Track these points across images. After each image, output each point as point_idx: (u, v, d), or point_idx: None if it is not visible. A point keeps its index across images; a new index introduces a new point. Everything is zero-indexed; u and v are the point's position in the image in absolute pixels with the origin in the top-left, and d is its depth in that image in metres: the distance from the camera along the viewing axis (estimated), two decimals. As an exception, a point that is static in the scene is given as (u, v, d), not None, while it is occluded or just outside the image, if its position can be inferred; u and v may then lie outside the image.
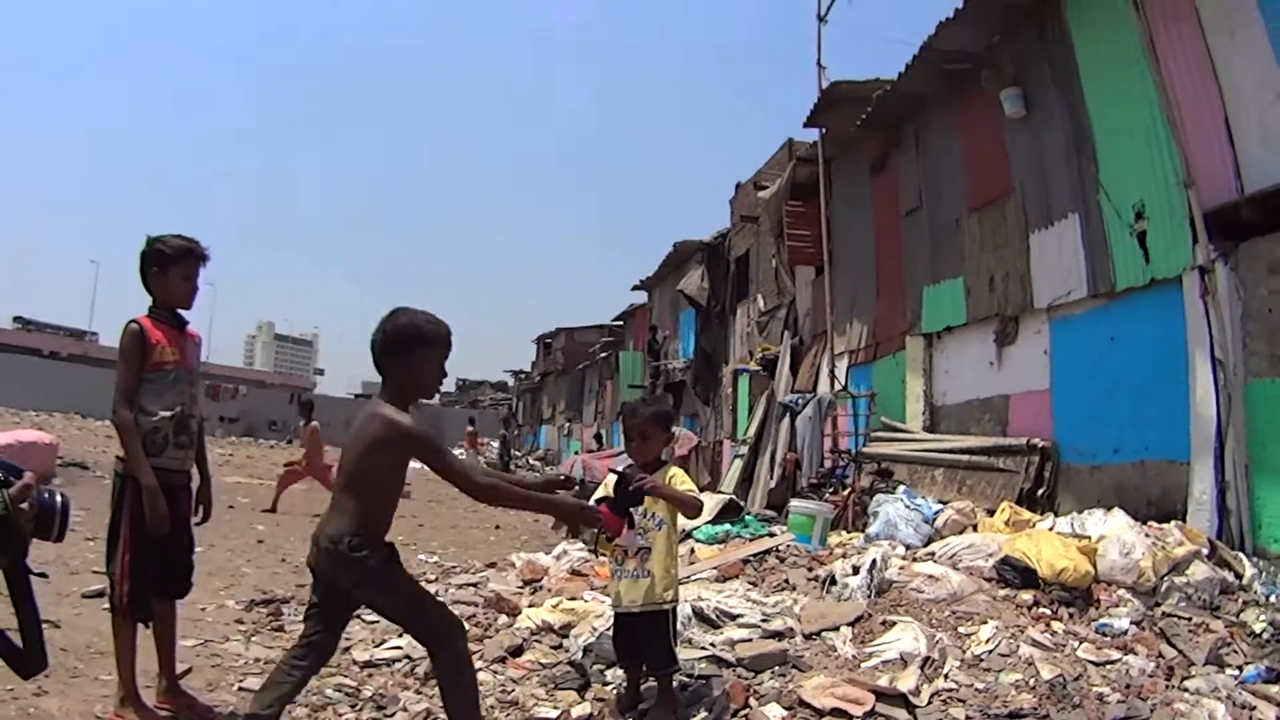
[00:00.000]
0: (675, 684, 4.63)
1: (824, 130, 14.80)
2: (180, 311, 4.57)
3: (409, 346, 3.91)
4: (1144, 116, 8.08)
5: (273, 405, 51.34)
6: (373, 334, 3.93)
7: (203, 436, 4.77)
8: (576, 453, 22.77)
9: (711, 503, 9.47)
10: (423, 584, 4.09)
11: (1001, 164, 10.55)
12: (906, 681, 4.42)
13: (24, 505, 2.15)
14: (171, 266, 4.47)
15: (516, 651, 5.54)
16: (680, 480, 4.53)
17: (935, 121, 12.25)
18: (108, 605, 4.39)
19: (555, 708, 4.64)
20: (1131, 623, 5.48)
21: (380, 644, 5.86)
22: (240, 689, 5.00)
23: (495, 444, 37.54)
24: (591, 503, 4.41)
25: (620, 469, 4.57)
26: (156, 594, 4.40)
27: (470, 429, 32.12)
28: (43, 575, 3.32)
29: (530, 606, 6.48)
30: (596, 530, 4.35)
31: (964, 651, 5.00)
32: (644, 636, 4.45)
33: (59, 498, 2.22)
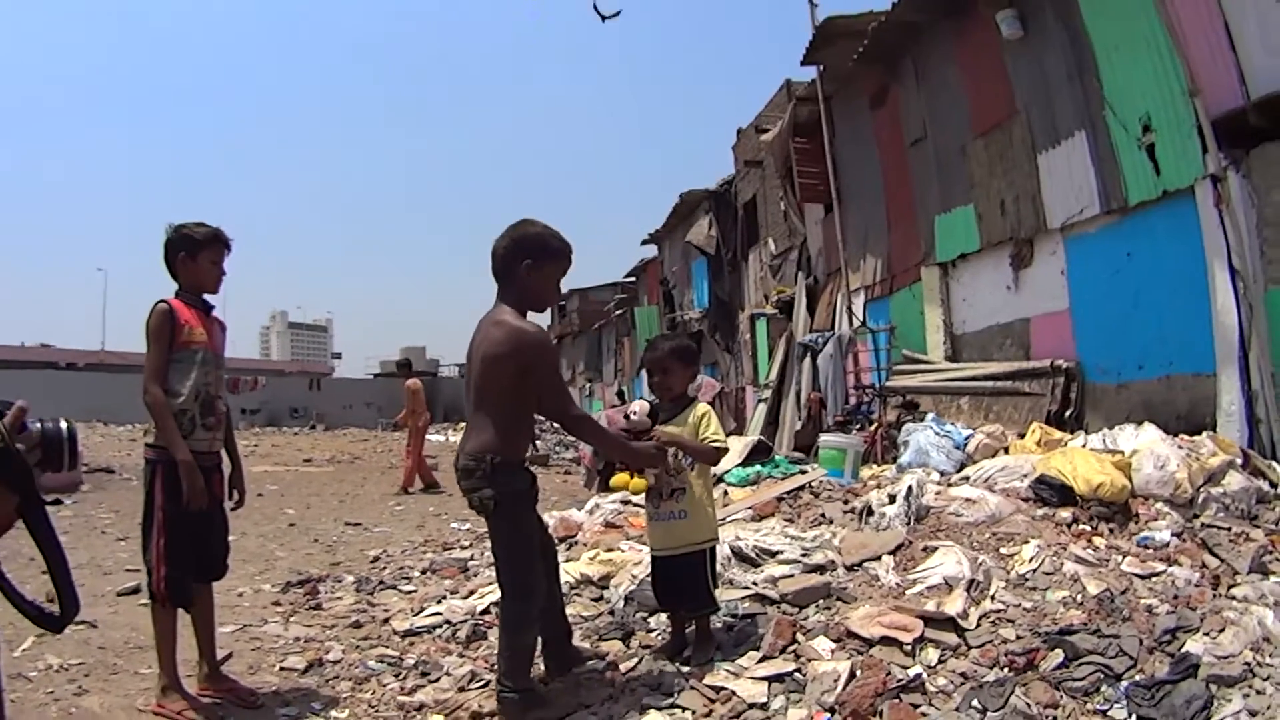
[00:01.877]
0: (719, 625, 4.68)
1: (821, 68, 14.68)
2: (206, 298, 4.64)
3: (537, 258, 4.02)
4: (1144, 28, 8.04)
5: (292, 393, 51.57)
6: (497, 240, 4.04)
7: (230, 422, 4.83)
8: (600, 411, 22.83)
9: (739, 445, 9.45)
10: (528, 537, 4.14)
11: (1003, 87, 10.52)
12: (953, 605, 4.42)
13: (23, 437, 2.15)
14: (200, 251, 4.55)
15: None
16: (708, 421, 4.50)
17: (933, 50, 12.18)
18: (146, 598, 4.44)
19: (601, 659, 4.65)
20: (1172, 535, 5.49)
21: (419, 611, 5.91)
22: (282, 669, 5.08)
23: None
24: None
25: (651, 401, 4.63)
26: (194, 578, 4.47)
27: None
28: (56, 502, 3.29)
29: (567, 561, 6.41)
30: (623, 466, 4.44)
31: (1008, 572, 5.00)
32: (682, 578, 4.48)
33: (64, 424, 2.22)
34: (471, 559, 7.45)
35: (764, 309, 19.58)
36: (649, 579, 4.97)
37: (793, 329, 17.25)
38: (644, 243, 32.49)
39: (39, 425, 2.18)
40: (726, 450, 4.74)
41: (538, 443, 27.25)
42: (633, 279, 38.12)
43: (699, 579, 4.46)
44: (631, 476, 4.41)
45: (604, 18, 12.34)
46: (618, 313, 39.45)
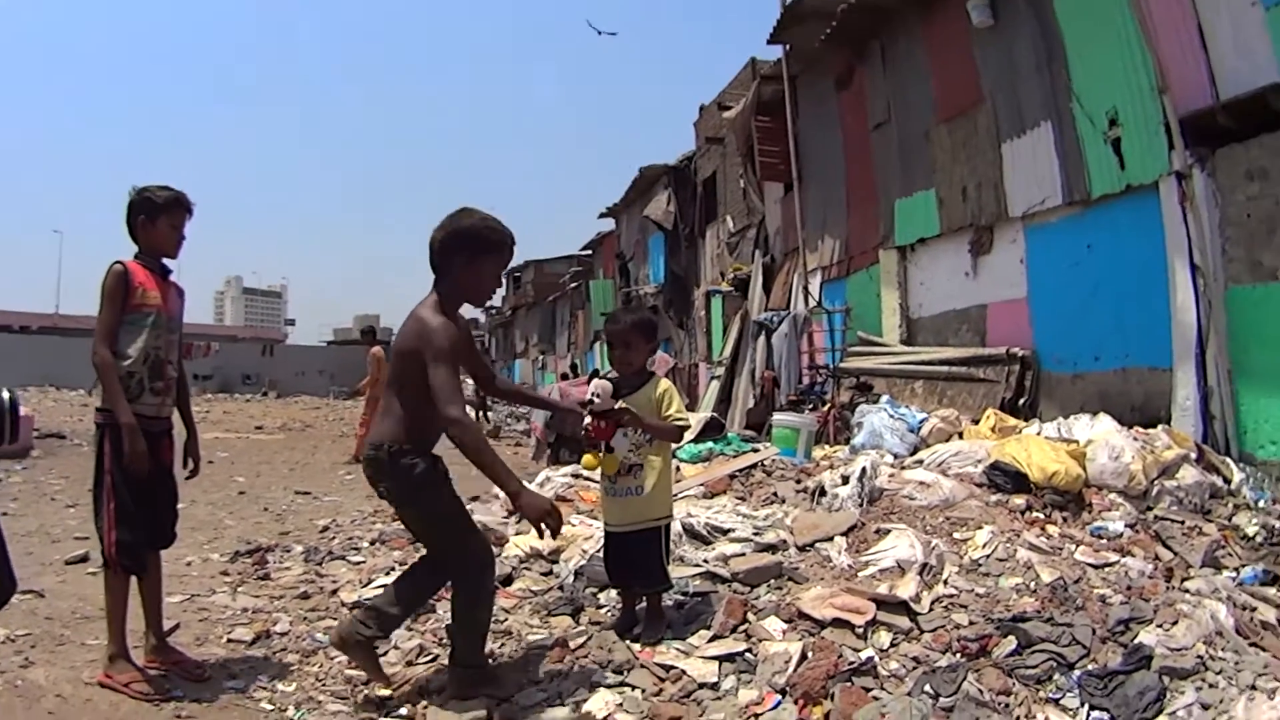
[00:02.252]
0: (670, 603, 4.65)
1: (788, 47, 14.62)
2: (166, 262, 4.56)
3: (473, 252, 3.91)
4: (1115, 22, 8.04)
5: (245, 359, 51.01)
6: (433, 232, 3.92)
7: (186, 389, 4.78)
8: (551, 385, 22.78)
9: (693, 420, 9.42)
10: (459, 508, 4.06)
11: (971, 74, 10.51)
12: (906, 589, 4.42)
13: None
14: (160, 215, 4.47)
15: (506, 581, 5.49)
16: (669, 397, 4.45)
17: (902, 34, 12.14)
18: (97, 565, 4.38)
19: (550, 633, 4.63)
20: (1126, 526, 5.54)
21: (368, 583, 5.85)
22: (229, 640, 5.02)
23: (469, 381, 37.38)
24: (580, 410, 4.40)
25: (610, 377, 4.54)
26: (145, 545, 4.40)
27: None
28: None
29: (517, 535, 6.41)
30: (585, 438, 4.36)
31: (961, 557, 5.01)
32: (636, 555, 4.44)
33: (4, 394, 2.08)
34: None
35: (720, 286, 19.56)
36: (599, 554, 4.92)
37: (748, 307, 17.25)
38: (601, 216, 32.37)
39: None
40: (688, 428, 4.69)
41: (489, 414, 27.19)
42: (589, 252, 38.02)
43: (653, 556, 4.42)
44: (598, 457, 4.34)
45: (600, 33, 12.23)
46: (573, 285, 39.37)
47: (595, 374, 4.80)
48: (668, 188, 23.87)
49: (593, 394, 4.32)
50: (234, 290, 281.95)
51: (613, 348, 4.57)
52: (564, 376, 31.94)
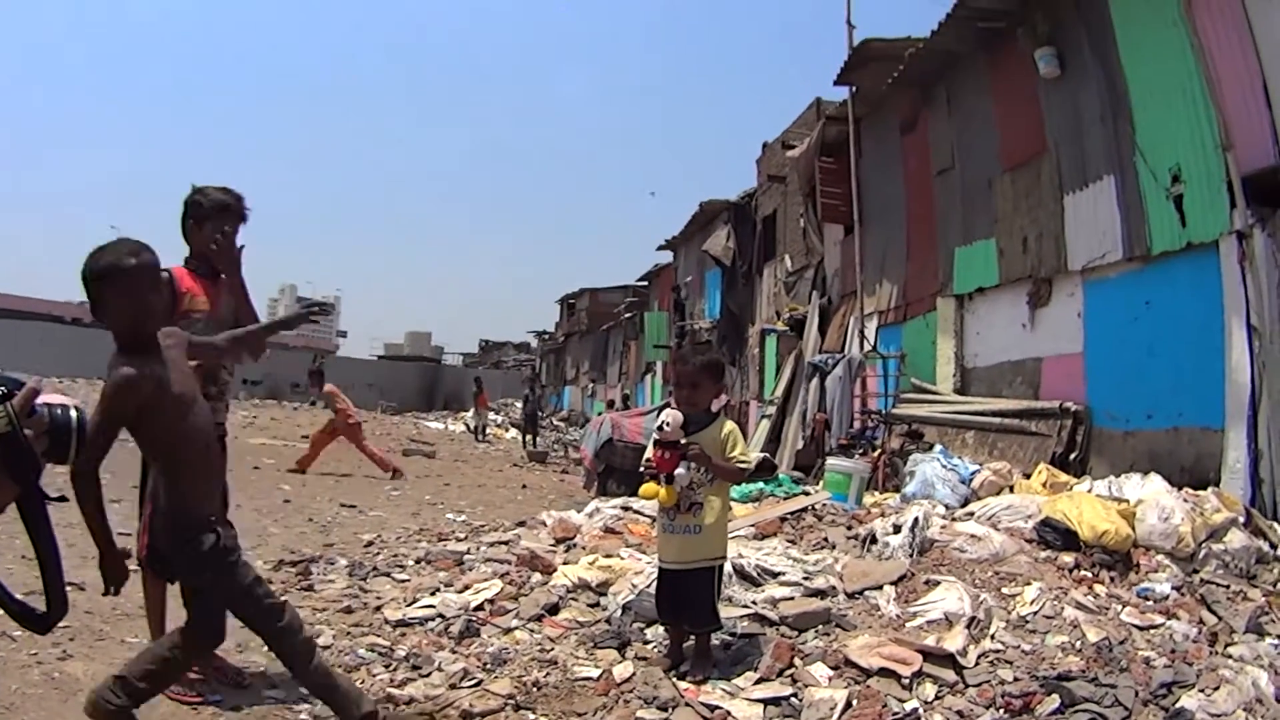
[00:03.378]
0: (717, 642, 4.68)
1: (854, 89, 14.71)
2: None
3: (95, 292, 3.39)
4: (1181, 78, 8.01)
5: (295, 368, 51.42)
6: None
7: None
8: (600, 413, 22.82)
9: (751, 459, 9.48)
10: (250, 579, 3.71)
11: (1036, 124, 10.48)
12: (953, 642, 4.45)
13: (32, 421, 2.02)
14: (206, 221, 4.42)
15: (553, 610, 5.53)
16: (734, 439, 4.53)
17: (968, 80, 12.15)
18: (136, 564, 4.40)
19: (596, 666, 4.62)
20: (1172, 588, 5.50)
21: (412, 602, 5.87)
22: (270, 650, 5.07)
23: (519, 405, 37.26)
24: (650, 446, 4.48)
25: (683, 413, 4.54)
26: None
27: (476, 391, 32.10)
28: (61, 499, 3.14)
29: (565, 564, 6.45)
30: (647, 467, 4.43)
31: (1009, 612, 5.02)
32: (690, 593, 4.49)
33: (73, 413, 2.08)
34: (468, 552, 7.40)
35: (775, 325, 19.58)
36: (649, 589, 4.98)
37: (802, 347, 17.25)
38: (660, 248, 32.54)
39: (47, 410, 2.01)
40: (751, 470, 4.73)
41: (536, 440, 27.28)
42: (645, 283, 38.19)
43: (706, 595, 4.48)
44: (661, 487, 4.40)
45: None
46: (627, 315, 39.48)
47: (666, 405, 4.93)
48: (728, 223, 23.97)
49: (662, 423, 4.42)
50: (287, 298, 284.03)
51: (679, 386, 4.66)
52: (610, 404, 32.09)
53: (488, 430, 31.60)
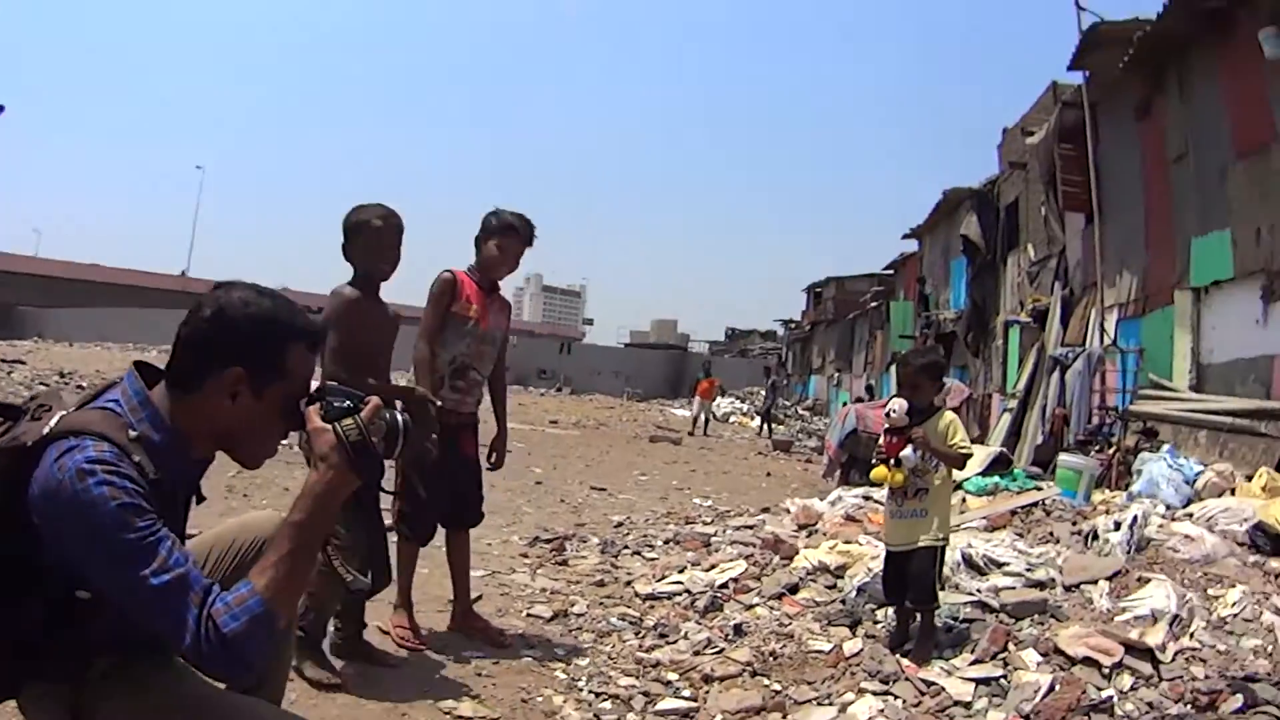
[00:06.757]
0: (941, 624, 5.02)
1: (1087, 73, 14.26)
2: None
3: (347, 238, 4.38)
4: None
5: (542, 354, 53.35)
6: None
7: (503, 391, 5.36)
8: (845, 403, 22.70)
9: (982, 454, 9.89)
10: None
11: (1264, 109, 9.98)
12: (1155, 637, 4.59)
13: (374, 428, 2.30)
14: (492, 236, 5.01)
15: (793, 589, 6.01)
16: (954, 429, 4.89)
17: (1196, 64, 11.65)
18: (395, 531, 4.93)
19: (829, 641, 5.02)
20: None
21: (661, 578, 6.43)
22: (528, 615, 5.63)
23: (763, 393, 35.93)
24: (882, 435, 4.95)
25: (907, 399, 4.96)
26: (446, 523, 5.01)
27: (701, 377, 29.65)
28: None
29: (806, 548, 6.87)
30: (878, 452, 4.92)
31: (1210, 613, 5.10)
32: (913, 572, 4.85)
33: (400, 416, 2.39)
34: (714, 535, 7.87)
35: (1019, 316, 19.11)
36: (882, 574, 5.32)
37: (1045, 340, 16.82)
38: (905, 236, 32.03)
39: (385, 416, 2.27)
40: (971, 455, 5.06)
41: (771, 429, 27.05)
42: (891, 272, 37.63)
43: (927, 574, 4.84)
44: (889, 471, 4.84)
45: None
46: (873, 305, 39.00)
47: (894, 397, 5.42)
48: (972, 210, 23.47)
49: (889, 410, 4.89)
50: (533, 287, 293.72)
51: (900, 387, 5.13)
52: (859, 399, 31.89)
53: (709, 423, 28.39)
